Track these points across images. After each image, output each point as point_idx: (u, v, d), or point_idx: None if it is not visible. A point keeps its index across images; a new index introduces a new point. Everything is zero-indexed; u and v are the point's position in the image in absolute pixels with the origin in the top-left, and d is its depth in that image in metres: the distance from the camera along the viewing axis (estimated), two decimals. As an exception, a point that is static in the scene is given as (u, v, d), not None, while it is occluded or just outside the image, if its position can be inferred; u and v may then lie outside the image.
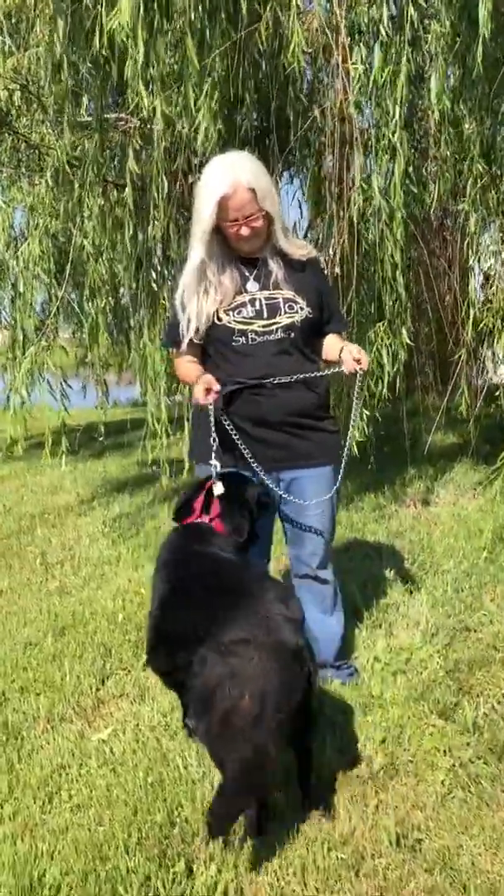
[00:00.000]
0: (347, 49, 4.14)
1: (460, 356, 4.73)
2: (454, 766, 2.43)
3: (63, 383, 5.63)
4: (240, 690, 1.89)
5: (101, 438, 6.42)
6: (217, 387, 2.58)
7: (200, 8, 3.87)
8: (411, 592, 3.82)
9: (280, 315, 2.70)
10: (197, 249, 2.65)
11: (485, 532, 4.58)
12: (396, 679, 2.95)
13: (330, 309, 2.89)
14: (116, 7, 3.50)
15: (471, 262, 4.64)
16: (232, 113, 4.32)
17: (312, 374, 2.74)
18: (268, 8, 3.99)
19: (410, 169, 4.67)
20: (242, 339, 2.69)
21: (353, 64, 4.10)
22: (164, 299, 4.98)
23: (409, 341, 4.76)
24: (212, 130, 4.24)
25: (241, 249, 2.70)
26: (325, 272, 2.93)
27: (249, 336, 2.69)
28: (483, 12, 4.01)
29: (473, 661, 3.06)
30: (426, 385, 7.13)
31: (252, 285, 2.72)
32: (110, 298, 5.57)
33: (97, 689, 3.11)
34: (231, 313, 2.69)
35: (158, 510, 5.87)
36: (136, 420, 7.08)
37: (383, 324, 4.67)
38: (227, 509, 2.54)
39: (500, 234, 4.77)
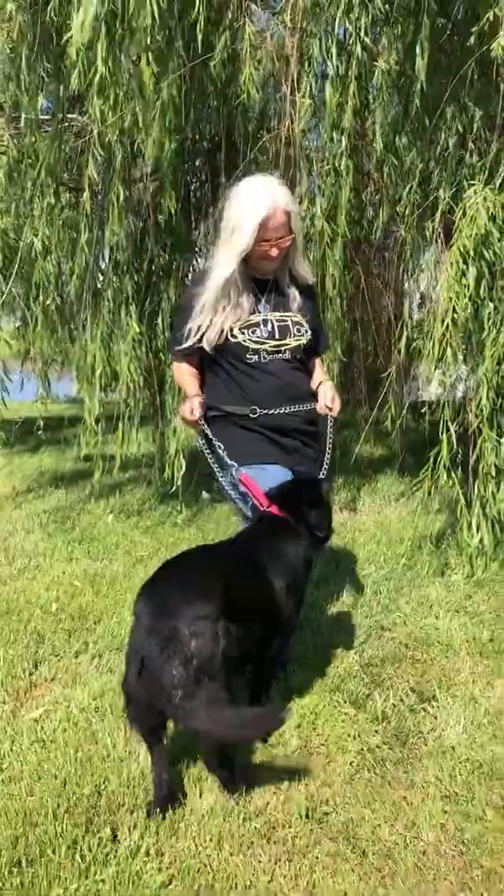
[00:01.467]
0: (295, 80, 4.36)
1: (390, 373, 4.99)
2: (362, 749, 2.65)
3: (4, 376, 5.71)
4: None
5: (39, 432, 6.52)
6: (197, 414, 2.79)
7: (160, 36, 4.04)
8: (335, 594, 4.06)
9: (289, 337, 2.84)
10: (230, 265, 2.69)
11: (405, 540, 4.87)
12: (315, 672, 3.16)
13: (317, 331, 3.01)
14: (81, 23, 3.64)
15: (406, 284, 4.89)
16: (184, 130, 4.48)
17: (296, 409, 2.86)
18: (222, 39, 4.19)
19: (352, 195, 4.94)
20: (256, 358, 2.80)
21: (301, 97, 4.32)
22: (108, 300, 5.11)
23: (343, 357, 5.00)
24: (167, 147, 4.43)
25: (259, 269, 2.80)
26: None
27: (262, 354, 2.80)
28: (419, 62, 4.31)
29: (386, 658, 3.31)
30: (359, 399, 7.40)
31: (263, 307, 2.83)
32: (56, 296, 5.67)
33: (30, 673, 3.24)
34: (246, 332, 2.78)
35: (94, 505, 5.99)
36: (75, 416, 7.17)
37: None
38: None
39: (434, 260, 5.05)
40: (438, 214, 4.81)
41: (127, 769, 2.52)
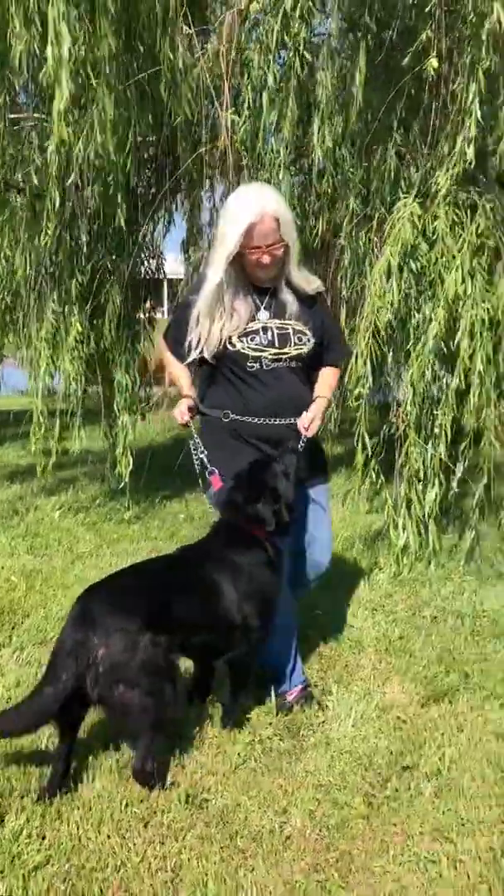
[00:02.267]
0: (228, 95, 4.50)
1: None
2: (252, 741, 2.81)
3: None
4: None
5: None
6: (186, 419, 2.93)
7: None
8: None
9: (289, 346, 2.84)
10: (216, 272, 2.75)
11: (339, 539, 5.03)
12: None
13: (330, 340, 3.00)
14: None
15: (343, 293, 5.03)
16: (127, 142, 4.60)
17: (293, 421, 2.88)
18: (161, 57, 4.34)
19: (295, 203, 5.10)
20: (257, 366, 2.83)
21: (231, 112, 4.46)
22: (53, 301, 5.25)
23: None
24: (114, 157, 4.57)
25: (256, 277, 2.83)
26: (327, 306, 3.17)
27: (263, 363, 2.83)
28: (358, 77, 4.46)
29: (293, 654, 3.46)
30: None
31: (263, 314, 2.85)
32: (6, 295, 5.82)
33: (-50, 664, 3.39)
34: (245, 339, 2.82)
35: (45, 501, 6.13)
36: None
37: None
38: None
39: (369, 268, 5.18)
40: (374, 224, 4.97)
41: (26, 757, 2.67)
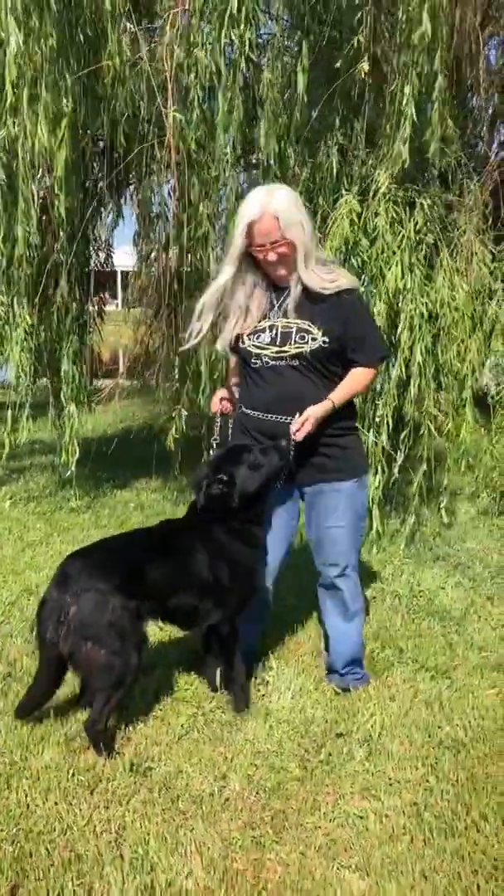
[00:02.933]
0: (172, 92, 4.61)
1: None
2: (195, 713, 2.94)
3: None
4: None
5: None
6: (215, 409, 3.16)
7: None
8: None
9: (289, 344, 2.83)
10: (226, 271, 2.84)
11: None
12: (171, 644, 3.45)
13: (354, 340, 2.87)
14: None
15: None
16: (70, 133, 4.68)
17: (276, 418, 2.90)
18: (105, 54, 4.43)
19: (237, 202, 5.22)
20: (259, 363, 2.90)
21: (173, 110, 4.57)
22: (1, 293, 5.29)
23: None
24: (63, 152, 4.64)
25: (275, 277, 2.86)
26: (359, 303, 2.99)
27: (264, 360, 2.88)
28: (301, 80, 4.60)
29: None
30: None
31: (275, 312, 2.89)
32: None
33: None
34: (251, 337, 2.90)
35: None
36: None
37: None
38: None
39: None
40: (318, 221, 5.11)
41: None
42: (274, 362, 2.88)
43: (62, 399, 5.74)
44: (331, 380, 2.88)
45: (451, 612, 3.98)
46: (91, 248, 5.92)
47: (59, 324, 5.58)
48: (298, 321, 2.83)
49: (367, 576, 4.47)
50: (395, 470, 4.79)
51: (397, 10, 4.31)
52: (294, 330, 2.84)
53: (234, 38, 4.63)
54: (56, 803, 2.42)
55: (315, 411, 2.82)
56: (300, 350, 2.83)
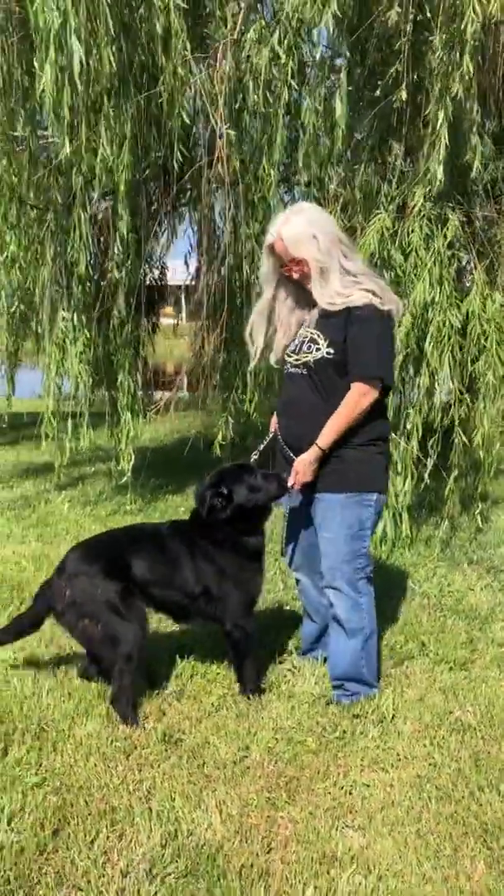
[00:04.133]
0: (222, 118, 4.93)
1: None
2: (225, 694, 3.22)
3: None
4: None
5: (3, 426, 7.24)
6: (273, 427, 3.28)
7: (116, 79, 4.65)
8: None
9: (301, 353, 3.03)
10: (265, 292, 3.11)
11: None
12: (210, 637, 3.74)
13: (353, 352, 2.92)
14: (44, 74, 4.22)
15: None
16: (136, 159, 5.06)
17: (292, 426, 3.11)
18: (161, 81, 4.78)
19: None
20: (286, 370, 3.14)
21: (227, 127, 4.89)
22: (64, 310, 5.69)
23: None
24: (124, 174, 5.01)
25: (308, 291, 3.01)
26: (369, 321, 2.90)
27: (287, 367, 3.12)
28: (340, 107, 4.85)
29: (272, 624, 3.86)
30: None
31: (305, 325, 3.07)
32: (21, 304, 6.28)
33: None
34: (287, 348, 3.13)
35: (55, 495, 6.58)
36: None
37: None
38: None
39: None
40: (356, 236, 5.36)
41: (29, 704, 3.09)
42: (293, 369, 3.08)
43: (118, 409, 6.11)
44: (333, 393, 2.93)
45: (478, 611, 4.16)
46: (147, 265, 6.30)
47: (116, 337, 5.96)
48: (312, 331, 2.99)
49: (399, 576, 4.69)
50: (426, 475, 4.98)
51: (434, 38, 4.53)
52: (307, 339, 3.01)
53: (275, 69, 4.95)
54: (95, 765, 2.72)
55: (301, 460, 3.00)
56: (307, 358, 2.99)
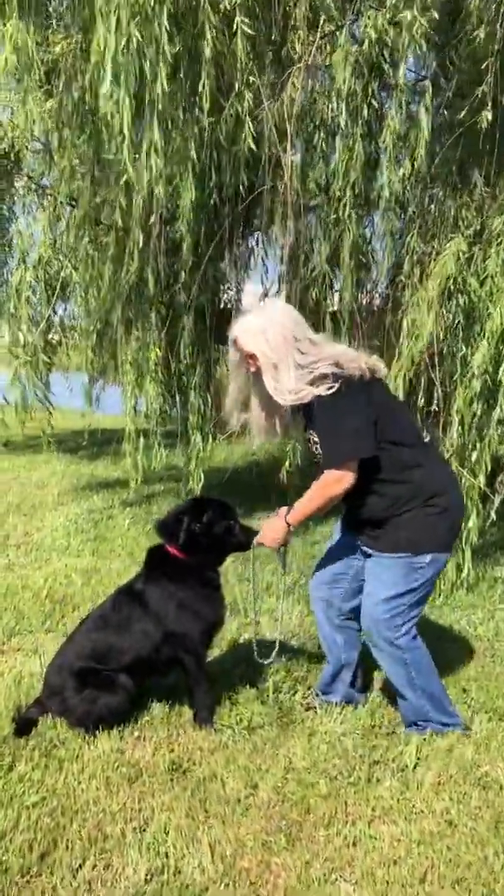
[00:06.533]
0: (290, 142, 4.88)
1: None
2: (246, 727, 3.09)
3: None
4: None
5: (83, 443, 7.33)
6: None
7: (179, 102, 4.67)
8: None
9: (315, 455, 2.98)
10: (232, 380, 3.09)
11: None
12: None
13: (321, 446, 2.92)
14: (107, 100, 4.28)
15: (401, 340, 5.15)
16: (202, 183, 5.07)
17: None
18: (228, 105, 4.78)
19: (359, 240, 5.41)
20: None
21: (292, 154, 4.84)
22: (137, 329, 5.75)
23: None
24: (190, 197, 5.04)
25: None
26: (326, 408, 2.83)
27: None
28: (425, 129, 4.73)
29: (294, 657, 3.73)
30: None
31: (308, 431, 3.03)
32: (98, 322, 6.40)
33: (2, 643, 3.84)
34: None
35: (119, 511, 6.62)
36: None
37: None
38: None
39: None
40: (429, 260, 5.22)
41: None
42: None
43: (188, 429, 6.11)
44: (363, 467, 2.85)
45: (531, 660, 3.90)
46: (220, 287, 6.31)
47: (188, 358, 5.97)
48: (310, 433, 2.96)
49: (454, 616, 4.46)
50: (492, 513, 4.74)
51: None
52: (311, 441, 2.97)
53: (357, 88, 4.87)
54: (98, 788, 2.66)
55: (268, 523, 3.07)
56: (318, 459, 2.94)
